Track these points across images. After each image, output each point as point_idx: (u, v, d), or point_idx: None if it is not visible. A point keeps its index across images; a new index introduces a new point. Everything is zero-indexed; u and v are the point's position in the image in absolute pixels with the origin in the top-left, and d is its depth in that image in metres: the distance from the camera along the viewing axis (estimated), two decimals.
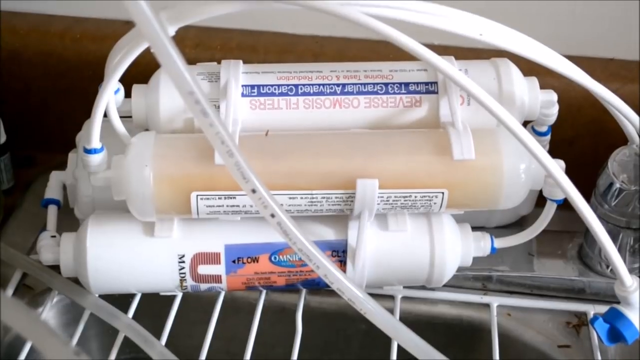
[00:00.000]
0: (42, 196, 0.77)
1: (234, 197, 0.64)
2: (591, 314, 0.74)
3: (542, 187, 0.68)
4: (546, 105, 0.71)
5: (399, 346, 0.65)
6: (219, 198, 0.64)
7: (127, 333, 0.68)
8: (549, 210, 0.70)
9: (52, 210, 0.76)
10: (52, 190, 0.77)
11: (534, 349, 0.74)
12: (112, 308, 0.70)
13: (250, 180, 0.54)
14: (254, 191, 0.55)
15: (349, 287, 0.58)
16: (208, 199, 0.64)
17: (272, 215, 0.56)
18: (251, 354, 0.68)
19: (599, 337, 0.64)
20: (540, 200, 0.73)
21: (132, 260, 0.68)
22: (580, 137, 0.83)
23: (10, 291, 0.75)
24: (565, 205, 0.67)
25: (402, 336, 0.59)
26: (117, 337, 0.69)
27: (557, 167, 0.60)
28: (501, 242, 0.72)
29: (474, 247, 0.70)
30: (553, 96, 0.71)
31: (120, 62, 0.62)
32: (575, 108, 0.80)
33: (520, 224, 0.81)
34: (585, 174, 0.66)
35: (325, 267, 0.58)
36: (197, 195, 0.63)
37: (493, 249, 0.71)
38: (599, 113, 0.72)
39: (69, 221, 0.75)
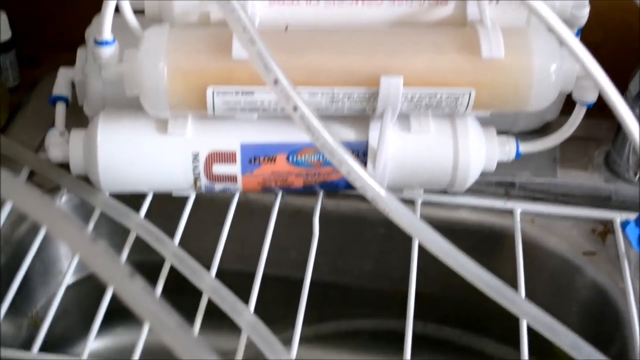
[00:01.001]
0: (49, 95, 0.74)
1: (252, 93, 0.61)
2: (618, 222, 0.71)
3: (572, 89, 0.65)
4: (577, 5, 0.68)
5: (419, 252, 0.63)
6: (236, 94, 0.61)
7: (139, 232, 0.66)
8: (578, 113, 0.67)
9: (60, 107, 0.73)
10: (60, 87, 0.74)
11: (558, 256, 0.73)
12: (124, 207, 0.68)
13: (273, 70, 0.52)
14: (276, 82, 0.52)
15: (372, 184, 0.55)
16: (225, 94, 0.61)
17: (295, 109, 0.53)
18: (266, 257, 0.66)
19: (629, 242, 0.63)
20: (566, 107, 0.71)
21: (144, 157, 0.66)
22: (609, 41, 0.80)
23: None
24: (591, 113, 0.65)
25: (425, 236, 0.56)
26: (129, 236, 0.67)
27: (591, 59, 0.57)
28: (527, 147, 0.70)
29: (499, 152, 0.68)
30: None
31: None
32: (605, 9, 0.77)
33: (543, 131, 0.78)
34: (611, 79, 0.64)
35: (348, 164, 0.55)
36: (214, 91, 0.61)
37: (518, 153, 0.69)
38: (628, 16, 0.70)
39: (77, 121, 0.72)
